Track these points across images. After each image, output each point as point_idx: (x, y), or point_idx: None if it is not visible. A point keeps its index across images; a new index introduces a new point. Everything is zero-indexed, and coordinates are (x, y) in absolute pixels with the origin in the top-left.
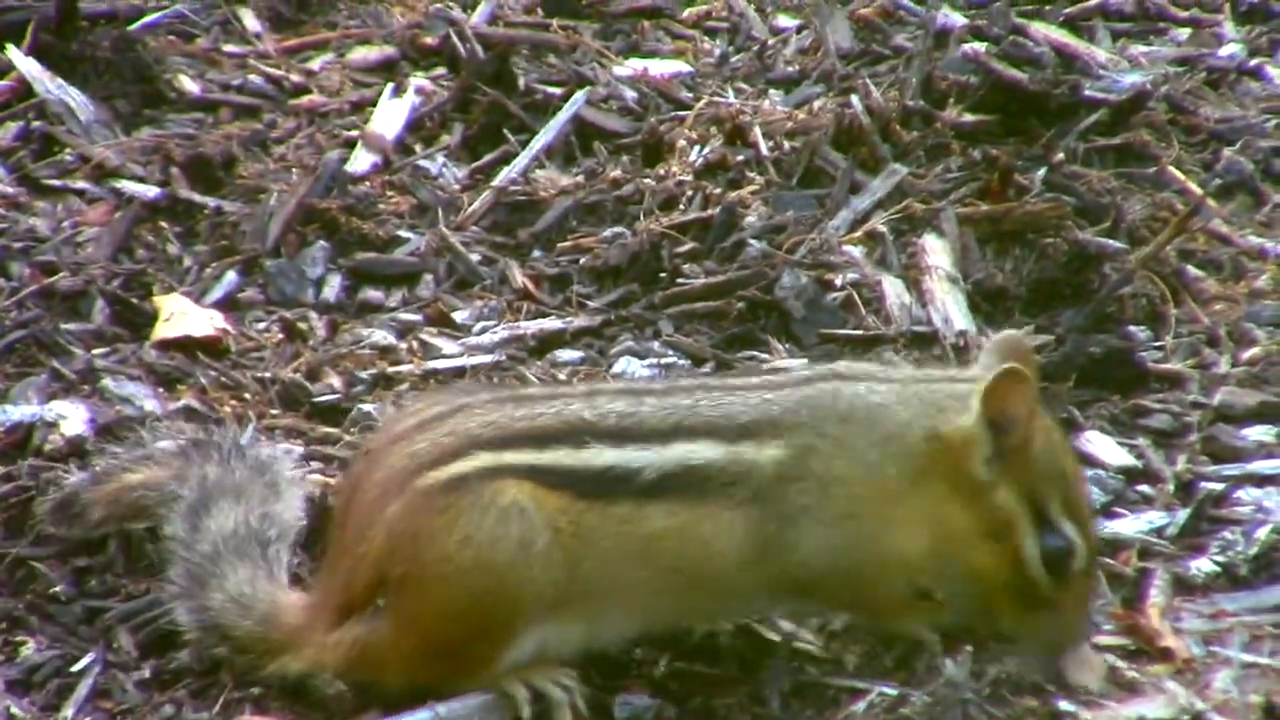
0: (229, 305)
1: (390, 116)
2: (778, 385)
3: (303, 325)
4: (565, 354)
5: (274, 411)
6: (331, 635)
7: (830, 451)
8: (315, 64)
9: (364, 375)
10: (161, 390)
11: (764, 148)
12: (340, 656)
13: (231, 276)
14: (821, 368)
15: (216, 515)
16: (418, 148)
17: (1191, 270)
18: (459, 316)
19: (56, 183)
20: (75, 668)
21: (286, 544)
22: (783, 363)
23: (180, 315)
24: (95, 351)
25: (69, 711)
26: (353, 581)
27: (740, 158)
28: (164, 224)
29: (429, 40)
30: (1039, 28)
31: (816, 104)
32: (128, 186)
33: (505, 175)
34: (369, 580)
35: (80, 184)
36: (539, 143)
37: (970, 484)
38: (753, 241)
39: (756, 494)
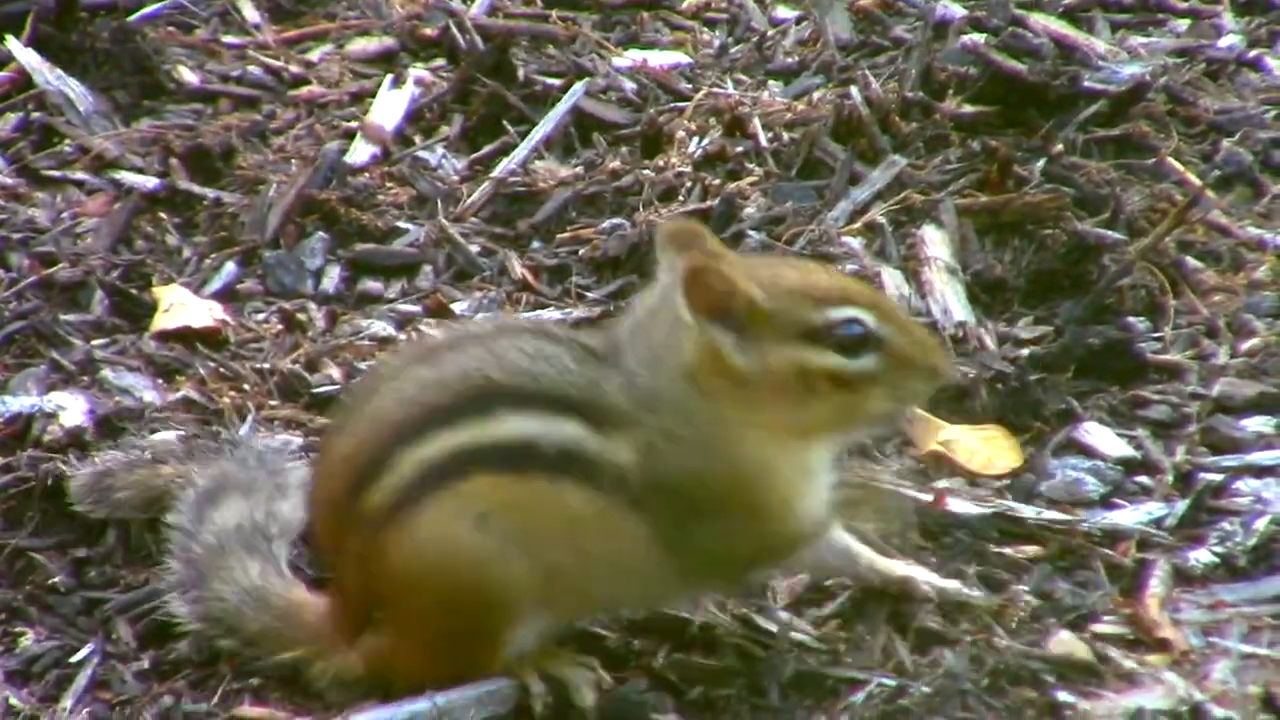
0: (228, 296)
1: (389, 108)
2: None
3: (302, 316)
4: None
5: (273, 402)
6: (354, 649)
7: (663, 446)
8: (314, 55)
9: (363, 366)
10: (161, 381)
11: (763, 139)
12: (365, 663)
13: (230, 267)
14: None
15: (223, 509)
16: (417, 139)
17: (1191, 261)
18: (458, 307)
19: (56, 173)
20: (74, 659)
21: (286, 540)
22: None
23: (179, 306)
24: (94, 342)
25: (68, 702)
26: (350, 603)
27: (739, 149)
28: (163, 215)
29: (428, 31)
30: (1038, 19)
31: (816, 95)
32: (127, 177)
33: (504, 166)
34: (360, 603)
35: (79, 175)
36: (538, 134)
37: (748, 380)
38: (752, 232)
39: (637, 498)
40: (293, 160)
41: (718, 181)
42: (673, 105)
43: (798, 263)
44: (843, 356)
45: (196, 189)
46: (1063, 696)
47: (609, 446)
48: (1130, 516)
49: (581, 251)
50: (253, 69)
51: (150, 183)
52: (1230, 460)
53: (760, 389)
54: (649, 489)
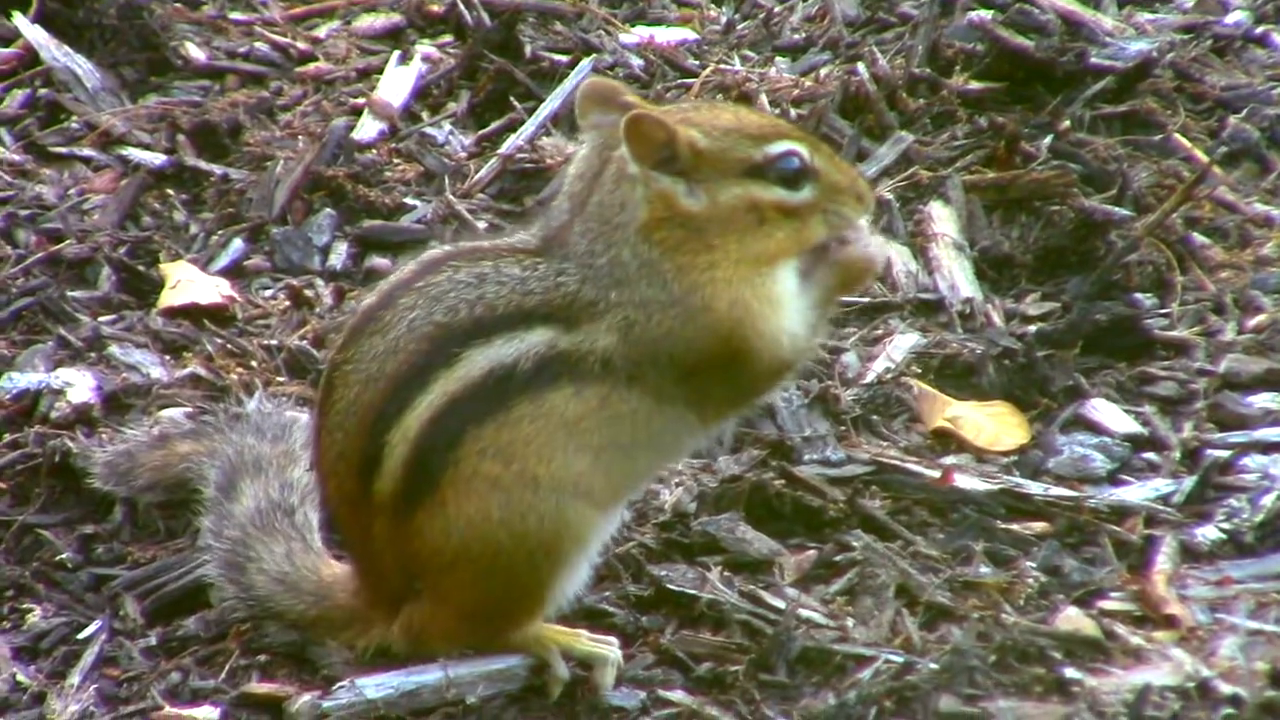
0: (235, 272)
1: (397, 84)
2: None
3: (309, 292)
4: None
5: (280, 379)
6: (392, 622)
7: (640, 318)
8: (322, 31)
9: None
10: (168, 358)
11: (771, 114)
12: (401, 638)
13: (238, 244)
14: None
15: (240, 498)
16: (424, 115)
17: (1197, 237)
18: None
19: (63, 150)
20: (81, 635)
21: (312, 504)
22: None
23: (187, 283)
24: (102, 319)
25: (75, 679)
26: (385, 584)
27: None
28: (170, 191)
29: (436, 8)
30: None
31: (823, 72)
32: (134, 154)
33: (512, 143)
34: (399, 583)
35: (87, 151)
36: (545, 110)
37: (703, 220)
38: None
39: (627, 375)
40: (300, 137)
41: None
42: (680, 82)
43: (727, 104)
44: (785, 189)
45: (204, 165)
46: (1070, 673)
47: (585, 338)
48: (1137, 493)
49: None
50: (260, 46)
51: (158, 159)
52: (1237, 436)
53: (713, 229)
54: (638, 363)
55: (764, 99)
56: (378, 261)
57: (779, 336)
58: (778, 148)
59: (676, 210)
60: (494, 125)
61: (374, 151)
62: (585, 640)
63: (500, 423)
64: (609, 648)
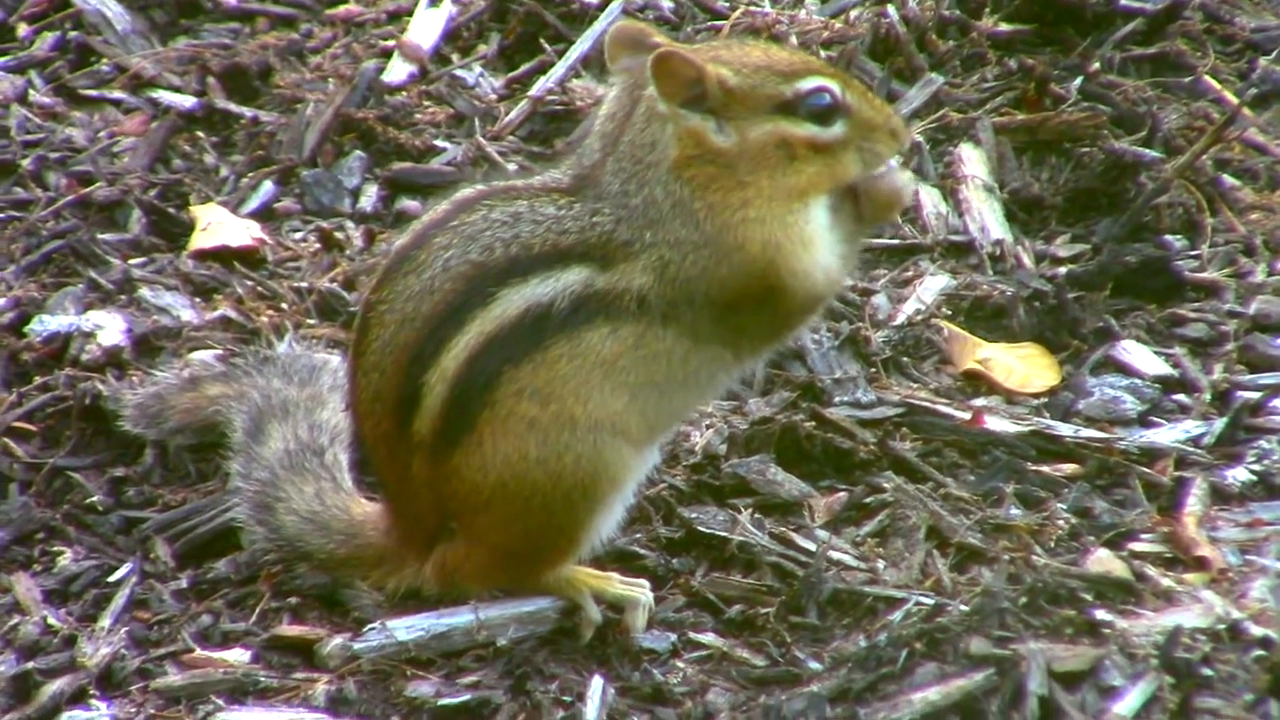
0: (266, 215)
1: (427, 26)
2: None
3: (339, 235)
4: None
5: (311, 321)
6: (424, 562)
7: (675, 257)
8: None
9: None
10: (198, 300)
11: None
12: (433, 578)
13: (268, 186)
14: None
15: (269, 440)
16: (454, 58)
17: (1227, 179)
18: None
19: (93, 93)
20: (112, 578)
21: (341, 445)
22: None
23: (217, 225)
24: (132, 261)
25: (106, 621)
26: (422, 521)
27: None
28: (200, 134)
29: None
30: None
31: (853, 13)
32: (164, 96)
33: (542, 85)
34: (434, 521)
35: (117, 94)
36: (575, 52)
37: (734, 156)
38: None
39: (662, 313)
40: (330, 79)
41: None
42: (710, 24)
43: (757, 41)
44: (816, 125)
45: (234, 108)
46: (1100, 615)
47: (620, 277)
48: (1168, 435)
49: None
50: None
51: (188, 102)
52: (1268, 378)
53: (744, 165)
54: (674, 302)
55: (794, 41)
56: (408, 204)
57: (812, 272)
58: (808, 84)
59: (706, 147)
60: (524, 67)
61: (404, 94)
62: (617, 583)
63: (537, 363)
64: (640, 590)
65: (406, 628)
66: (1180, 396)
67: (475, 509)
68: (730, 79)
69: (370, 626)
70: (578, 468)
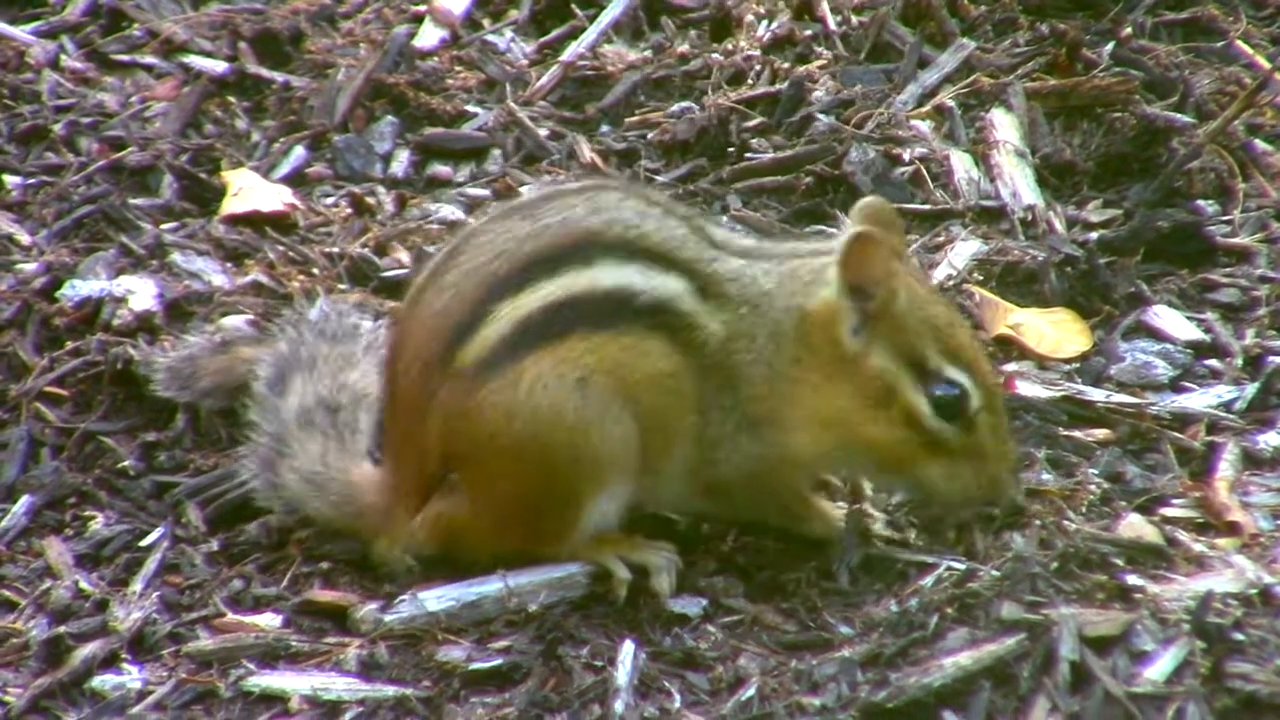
0: (297, 180)
1: None
2: (727, 246)
3: (371, 200)
4: None
5: (342, 286)
6: (417, 518)
7: (743, 346)
8: None
9: (432, 250)
10: (230, 265)
11: (832, 22)
12: (428, 535)
13: (299, 151)
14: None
15: (289, 394)
16: (486, 23)
17: (1259, 144)
18: (527, 191)
19: (125, 58)
20: (144, 542)
21: (362, 408)
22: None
23: (248, 190)
24: (164, 226)
25: (137, 586)
26: (423, 466)
27: (808, 32)
28: (232, 99)
29: None
30: None
31: None
32: (196, 62)
33: (573, 50)
34: (436, 462)
35: (149, 59)
36: (607, 17)
37: (844, 359)
38: (821, 116)
39: (705, 372)
40: (361, 44)
41: (786, 65)
42: None
43: (953, 305)
44: (930, 407)
45: (265, 73)
46: (1132, 580)
47: (704, 309)
48: (1199, 400)
49: (650, 135)
50: None
51: (219, 67)
52: None
53: (843, 373)
54: (717, 364)
55: (825, 5)
56: (439, 169)
57: (806, 465)
58: (954, 373)
59: (833, 331)
60: (555, 32)
61: (435, 59)
62: (641, 546)
63: (609, 339)
64: (664, 553)
65: (437, 597)
66: (1212, 361)
67: (484, 454)
68: (900, 303)
69: (400, 598)
70: (601, 448)
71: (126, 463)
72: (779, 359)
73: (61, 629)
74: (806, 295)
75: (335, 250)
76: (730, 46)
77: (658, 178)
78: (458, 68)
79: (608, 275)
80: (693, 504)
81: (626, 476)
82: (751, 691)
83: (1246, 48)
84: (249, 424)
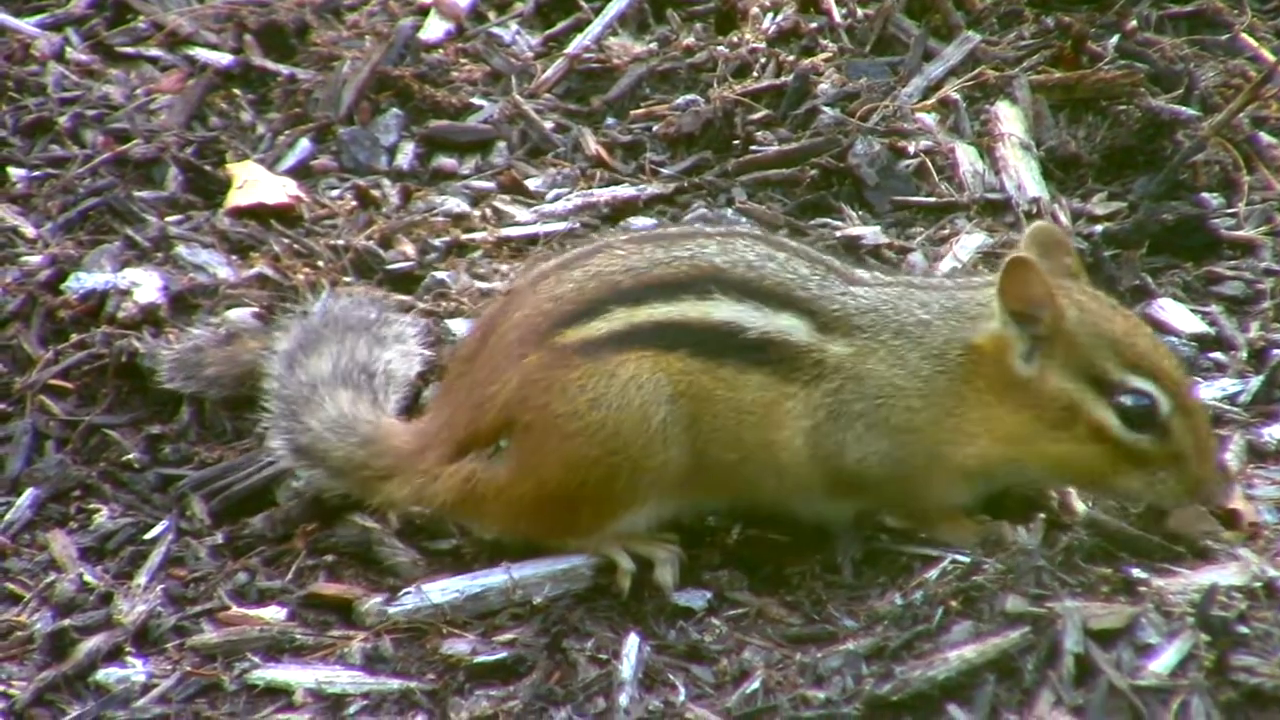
0: (302, 173)
1: None
2: (863, 284)
3: (376, 193)
4: (638, 221)
5: (347, 279)
6: (447, 466)
7: (888, 362)
8: None
9: (437, 243)
10: (235, 258)
11: (837, 15)
12: (450, 489)
13: (305, 144)
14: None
15: (317, 357)
16: (491, 15)
17: (1264, 137)
18: (532, 184)
19: (130, 50)
20: (148, 535)
21: (395, 385)
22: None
23: (253, 183)
24: (169, 219)
25: (142, 579)
26: (479, 418)
27: (813, 25)
28: (237, 91)
29: None
30: None
31: None
32: (201, 54)
33: (578, 43)
34: (496, 421)
35: (154, 51)
36: (612, 10)
37: (1018, 384)
38: (826, 109)
39: (824, 389)
40: (367, 37)
41: (791, 58)
42: None
43: (1131, 316)
44: (1120, 420)
45: (270, 65)
46: (1137, 573)
47: (823, 339)
48: (1204, 393)
49: (655, 128)
50: None
51: (224, 59)
52: None
53: (1017, 400)
54: (843, 381)
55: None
56: (444, 161)
57: (948, 494)
58: (1139, 382)
59: (1002, 361)
60: (561, 25)
61: (441, 51)
62: (644, 539)
63: (709, 367)
64: (668, 546)
65: (441, 590)
66: (1217, 354)
67: (551, 430)
68: (1070, 321)
69: (405, 591)
70: (668, 462)
71: (131, 455)
72: (938, 383)
73: (66, 622)
74: (963, 326)
75: (340, 243)
76: (735, 39)
77: (662, 170)
78: (463, 60)
79: (722, 310)
80: (814, 507)
81: (668, 499)
82: (756, 684)
83: (1251, 41)
84: (270, 376)
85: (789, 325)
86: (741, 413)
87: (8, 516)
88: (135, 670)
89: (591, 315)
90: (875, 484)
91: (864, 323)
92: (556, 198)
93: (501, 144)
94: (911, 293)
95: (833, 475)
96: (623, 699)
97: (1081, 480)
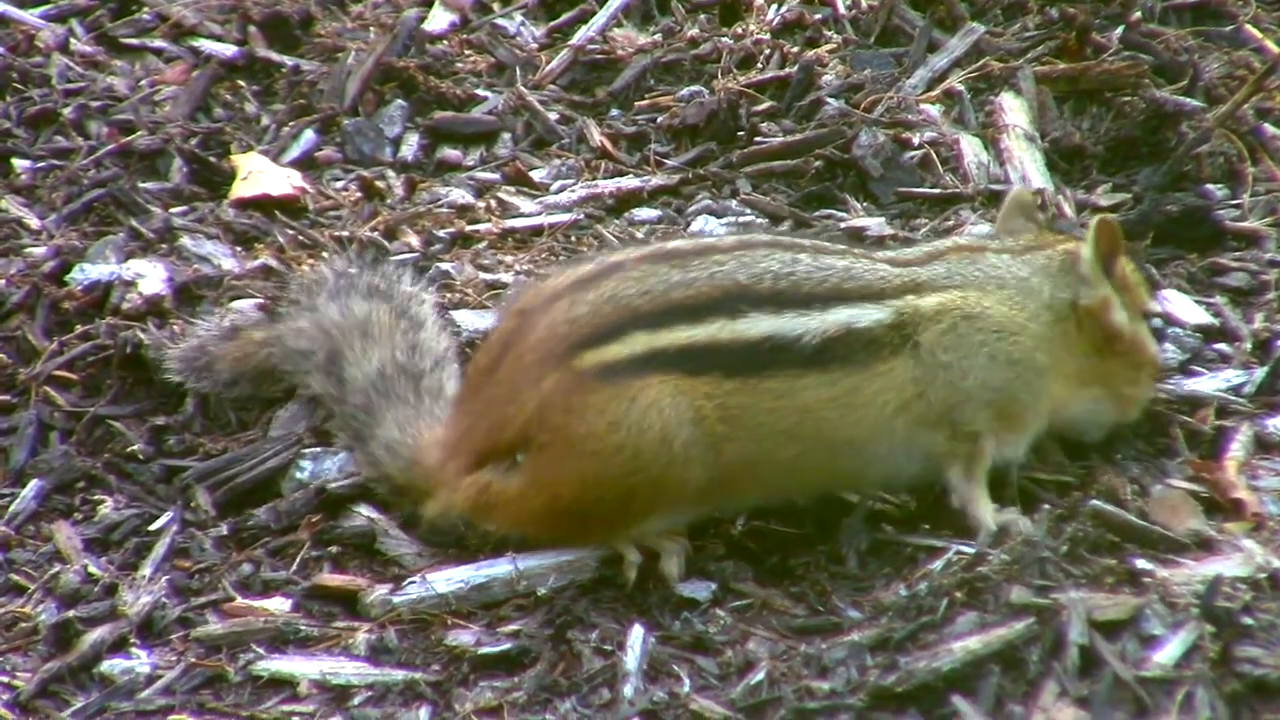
0: (307, 164)
1: None
2: (913, 260)
3: (380, 184)
4: (643, 213)
5: (353, 270)
6: (465, 477)
7: (1006, 305)
8: None
9: (442, 234)
10: (239, 249)
11: (842, 6)
12: (468, 497)
13: (309, 135)
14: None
15: (356, 363)
16: (495, 6)
17: (1269, 128)
18: (537, 175)
19: (134, 42)
20: (153, 527)
21: (445, 369)
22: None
23: (258, 174)
24: (173, 210)
25: (147, 570)
26: (497, 435)
27: (818, 16)
28: (242, 83)
29: None
30: None
31: None
32: (205, 45)
33: (583, 34)
34: (514, 439)
35: (158, 43)
36: (616, 1)
37: (1114, 339)
38: (830, 100)
39: (933, 333)
40: (371, 28)
41: (796, 49)
42: None
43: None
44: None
45: (275, 57)
46: (1141, 564)
47: (899, 306)
48: (1209, 384)
49: (660, 119)
50: None
51: (229, 50)
52: None
53: (1108, 349)
54: (951, 323)
55: None
56: (448, 152)
57: (1030, 425)
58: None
59: (1105, 318)
60: (565, 16)
61: (445, 43)
62: (651, 535)
63: (744, 386)
64: (673, 540)
65: (446, 579)
66: (1221, 345)
67: (568, 450)
68: (1130, 273)
69: (410, 580)
70: (687, 482)
71: (136, 447)
72: (1051, 330)
73: (70, 613)
74: (1058, 286)
75: (345, 234)
76: (740, 30)
77: (667, 161)
78: (467, 51)
79: (757, 326)
80: (906, 475)
81: (685, 510)
82: (760, 675)
83: (1256, 32)
84: (323, 395)
85: (850, 316)
86: (803, 412)
87: (12, 508)
88: (140, 661)
89: (610, 338)
90: (974, 413)
91: (939, 276)
92: (561, 189)
93: (506, 135)
94: (975, 255)
95: (940, 405)
96: (627, 690)
97: (1133, 416)
